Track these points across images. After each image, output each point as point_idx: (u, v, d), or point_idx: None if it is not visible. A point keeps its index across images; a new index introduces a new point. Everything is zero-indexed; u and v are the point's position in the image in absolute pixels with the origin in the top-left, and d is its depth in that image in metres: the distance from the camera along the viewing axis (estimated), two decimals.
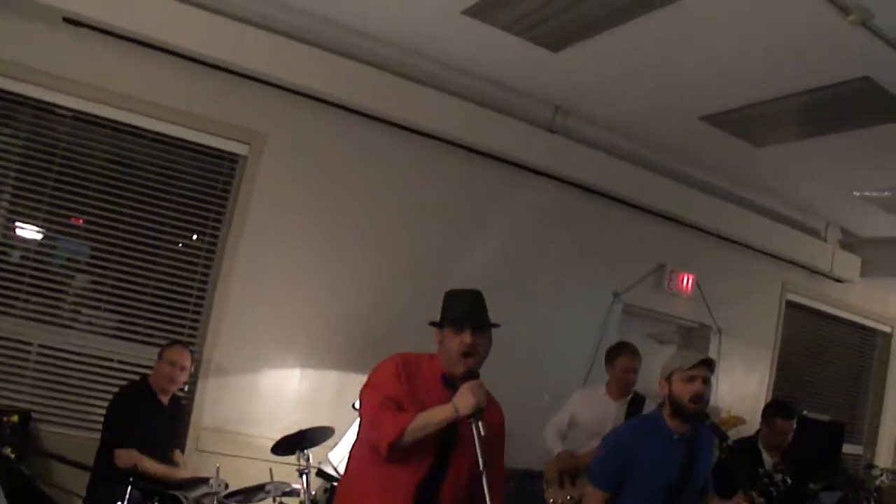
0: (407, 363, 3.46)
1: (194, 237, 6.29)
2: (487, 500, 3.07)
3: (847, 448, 9.48)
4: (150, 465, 5.06)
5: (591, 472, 4.23)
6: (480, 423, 3.19)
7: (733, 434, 4.68)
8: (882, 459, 10.13)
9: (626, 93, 6.73)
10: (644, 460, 4.02)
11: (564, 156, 7.42)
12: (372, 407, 3.32)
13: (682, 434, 4.05)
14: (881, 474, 8.75)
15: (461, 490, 3.42)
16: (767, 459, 5.59)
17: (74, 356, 5.83)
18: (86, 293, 5.99)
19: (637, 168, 7.82)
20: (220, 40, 5.94)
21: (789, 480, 4.36)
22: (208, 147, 6.26)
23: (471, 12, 5.65)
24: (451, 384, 3.41)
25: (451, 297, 3.57)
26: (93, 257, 5.97)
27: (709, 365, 4.04)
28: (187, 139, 6.16)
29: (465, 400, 3.22)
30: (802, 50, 5.33)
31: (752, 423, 6.68)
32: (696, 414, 3.99)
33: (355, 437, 3.62)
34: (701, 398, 3.98)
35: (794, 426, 5.74)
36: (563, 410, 6.19)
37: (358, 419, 3.65)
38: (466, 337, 3.40)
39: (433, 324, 3.58)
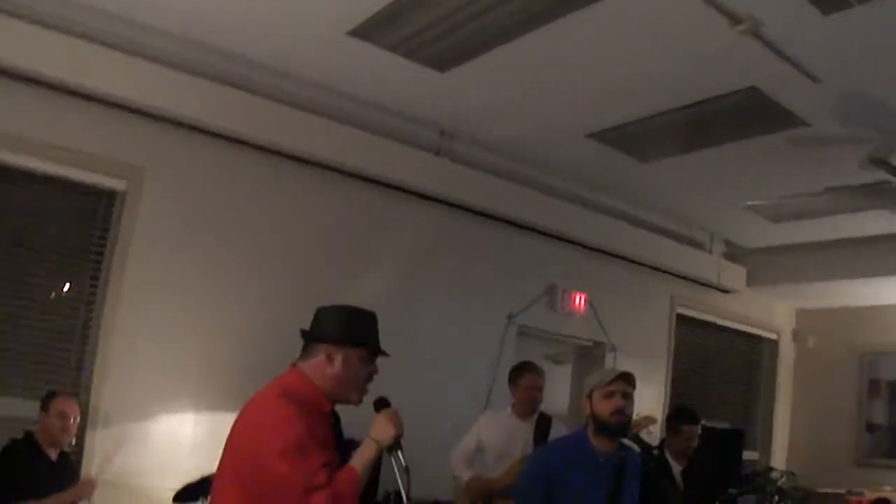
0: (295, 401, 2.98)
1: (66, 287, 5.95)
2: None
3: (744, 454, 9.65)
4: None
5: (515, 493, 4.14)
6: (400, 453, 2.99)
7: (644, 436, 4.65)
8: (777, 462, 10.33)
9: (512, 113, 6.72)
10: (570, 480, 3.94)
11: (451, 179, 7.37)
12: (316, 487, 2.78)
13: (608, 456, 3.98)
14: (781, 476, 8.97)
15: None
16: (675, 466, 5.58)
17: None
18: None
19: (525, 188, 7.82)
20: (90, 68, 5.62)
21: None
22: (82, 184, 5.92)
23: (356, 33, 5.55)
24: (336, 418, 3.18)
25: (358, 317, 3.21)
26: None
27: (627, 379, 3.98)
28: (58, 175, 5.80)
29: (385, 431, 2.97)
30: (690, 62, 5.39)
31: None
32: (619, 427, 3.92)
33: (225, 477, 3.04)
34: (622, 412, 3.91)
35: (699, 432, 5.75)
36: (470, 436, 6.07)
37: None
38: (374, 366, 3.16)
39: (312, 334, 3.19)
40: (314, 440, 2.90)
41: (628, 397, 3.97)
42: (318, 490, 2.77)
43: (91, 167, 5.91)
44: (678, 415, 5.86)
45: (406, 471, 2.99)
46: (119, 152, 5.99)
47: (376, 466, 3.02)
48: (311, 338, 3.20)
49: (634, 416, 5.38)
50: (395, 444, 2.99)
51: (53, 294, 5.90)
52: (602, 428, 3.94)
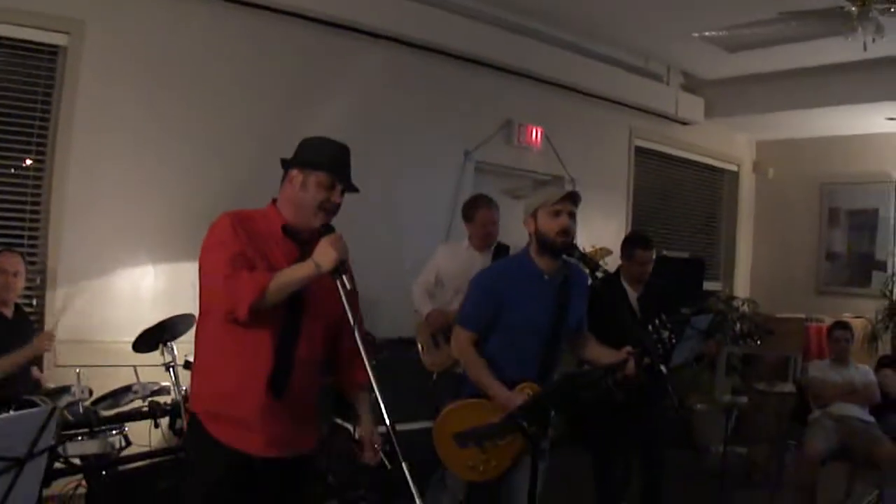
0: (240, 218, 3.12)
1: (27, 162, 5.84)
2: (363, 355, 2.89)
3: (707, 285, 9.82)
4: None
5: (459, 314, 4.16)
6: (345, 277, 2.97)
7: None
8: (740, 292, 10.54)
9: None
10: (513, 298, 3.96)
11: (403, 16, 7.20)
12: (219, 269, 2.97)
13: (552, 275, 3.99)
14: (742, 304, 9.15)
15: (317, 352, 3.26)
16: (631, 293, 5.63)
17: None
18: None
19: (478, 23, 7.68)
20: None
21: (675, 340, 4.38)
22: (22, 41, 5.72)
23: None
24: (294, 236, 3.18)
25: (323, 143, 3.26)
26: None
27: (573, 200, 3.97)
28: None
29: (327, 255, 2.95)
30: None
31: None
32: (564, 247, 3.92)
33: (199, 310, 3.29)
34: (567, 232, 3.90)
35: (653, 257, 5.79)
36: (428, 268, 6.07)
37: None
38: (336, 195, 3.16)
39: (287, 161, 3.24)
40: (243, 242, 3.04)
41: (573, 217, 3.95)
42: (220, 272, 2.97)
43: (32, 23, 5.71)
44: (631, 240, 5.88)
45: (354, 294, 3.00)
46: (59, 7, 5.77)
47: None
48: (283, 164, 3.26)
49: (589, 248, 5.42)
50: (339, 268, 2.97)
51: (6, 164, 5.81)
52: (547, 247, 3.94)
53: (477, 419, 3.95)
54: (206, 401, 3.15)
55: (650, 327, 4.22)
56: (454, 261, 5.94)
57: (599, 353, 4.27)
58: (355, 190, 3.24)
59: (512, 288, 4.00)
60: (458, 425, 3.97)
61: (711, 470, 6.95)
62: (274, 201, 3.26)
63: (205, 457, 3.14)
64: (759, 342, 8.36)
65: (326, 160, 3.17)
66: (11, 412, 4.18)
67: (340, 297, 2.96)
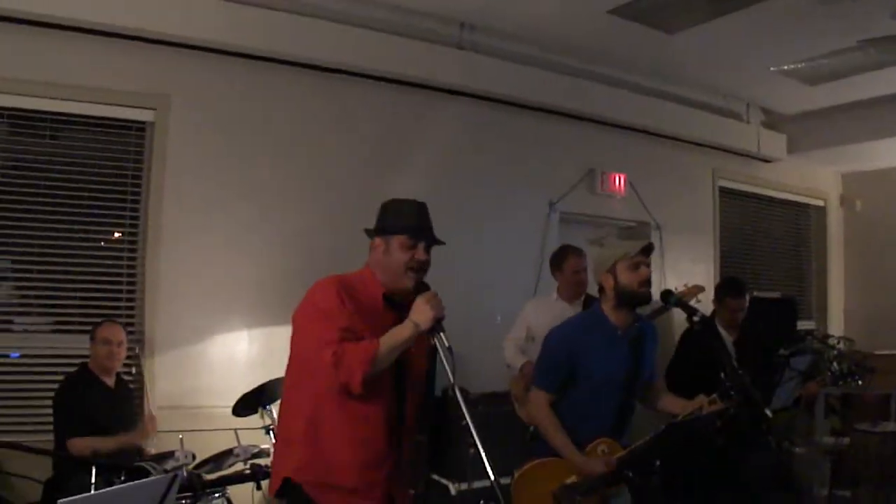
0: (345, 285, 3.17)
1: (116, 234, 6.08)
2: (466, 417, 2.89)
3: (800, 324, 9.61)
4: (105, 443, 4.86)
5: (535, 374, 4.15)
6: (443, 334, 3.01)
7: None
8: (834, 330, 10.29)
9: None
10: (588, 357, 3.98)
11: (476, 72, 7.27)
12: (328, 342, 2.99)
13: (625, 330, 3.99)
14: (838, 342, 8.91)
15: (416, 411, 3.32)
16: (726, 337, 5.58)
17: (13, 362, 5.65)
18: (14, 302, 5.81)
19: (552, 73, 7.70)
20: (100, 3, 5.62)
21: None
22: (111, 119, 5.97)
23: None
24: (393, 303, 3.23)
25: (398, 205, 3.33)
26: (15, 270, 5.78)
27: (648, 251, 4.04)
28: (87, 114, 5.86)
29: (424, 313, 3.01)
30: None
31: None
32: (647, 298, 3.93)
33: (289, 377, 3.33)
34: (650, 283, 3.95)
35: (746, 304, 5.73)
36: (518, 323, 6.10)
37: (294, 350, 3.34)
38: (420, 253, 3.22)
39: (371, 231, 3.33)
40: (351, 313, 3.08)
41: (649, 267, 4.01)
42: (330, 344, 2.97)
43: (119, 101, 5.94)
44: (723, 287, 5.85)
45: (450, 351, 3.01)
46: (144, 84, 6.01)
47: (430, 368, 3.13)
48: (368, 233, 3.36)
49: (682, 287, 5.38)
50: (436, 327, 3.02)
51: (100, 237, 6.04)
52: (628, 300, 3.95)
53: (555, 478, 3.95)
54: (311, 471, 3.14)
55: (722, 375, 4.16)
56: (545, 314, 5.93)
57: (673, 404, 4.25)
58: (440, 243, 3.31)
59: (587, 346, 4.01)
60: (538, 485, 3.97)
61: None
62: (367, 266, 3.32)
63: None
64: (860, 381, 8.14)
65: (404, 222, 3.24)
66: (123, 478, 4.29)
67: (434, 355, 3.01)
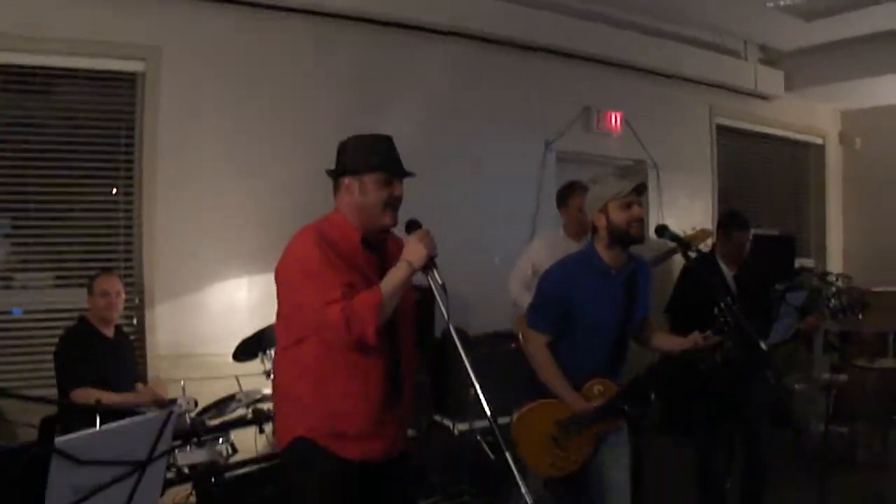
0: (323, 236, 3.09)
1: (113, 191, 6.08)
2: (462, 355, 2.81)
3: (798, 261, 9.62)
4: (110, 397, 4.87)
5: (529, 316, 4.14)
6: (436, 272, 2.97)
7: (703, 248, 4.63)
8: (833, 267, 10.29)
9: None
10: (581, 298, 3.92)
11: (471, 12, 7.22)
12: (327, 300, 2.92)
13: (618, 269, 3.97)
14: (836, 279, 8.92)
15: (412, 352, 3.33)
16: (727, 272, 5.57)
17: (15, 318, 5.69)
18: (13, 259, 5.83)
19: (546, 12, 7.63)
20: None
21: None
22: (103, 72, 5.93)
23: None
24: (370, 245, 3.19)
25: (367, 142, 3.23)
26: (13, 227, 5.79)
27: (640, 190, 3.97)
28: (78, 68, 5.82)
29: (417, 251, 2.97)
30: None
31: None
32: (640, 238, 3.91)
33: (283, 338, 3.26)
34: (642, 221, 3.90)
35: (751, 237, 5.71)
36: (523, 261, 6.02)
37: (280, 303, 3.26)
38: (397, 188, 3.16)
39: (333, 172, 3.27)
40: (337, 264, 3.02)
41: (642, 207, 3.96)
42: (335, 303, 2.90)
43: (109, 53, 5.90)
44: (728, 220, 5.80)
45: (443, 288, 2.96)
46: (133, 35, 5.96)
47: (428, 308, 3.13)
48: (332, 174, 3.28)
49: (690, 231, 5.36)
50: (429, 264, 2.99)
51: (97, 190, 6.03)
52: (620, 239, 3.91)
53: (555, 419, 3.96)
54: (324, 427, 3.12)
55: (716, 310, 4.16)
56: (551, 252, 5.86)
57: (667, 341, 4.24)
58: (411, 174, 3.24)
59: (580, 287, 3.95)
60: (537, 425, 3.98)
61: (812, 449, 6.82)
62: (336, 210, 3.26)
63: (324, 472, 3.12)
64: (859, 316, 8.16)
65: (378, 158, 3.17)
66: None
67: (434, 292, 2.95)
